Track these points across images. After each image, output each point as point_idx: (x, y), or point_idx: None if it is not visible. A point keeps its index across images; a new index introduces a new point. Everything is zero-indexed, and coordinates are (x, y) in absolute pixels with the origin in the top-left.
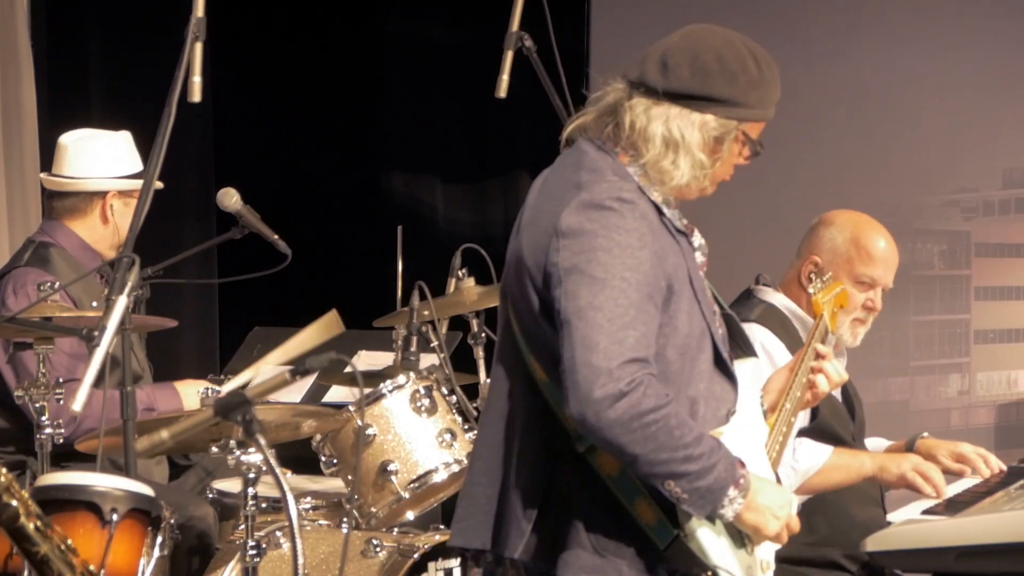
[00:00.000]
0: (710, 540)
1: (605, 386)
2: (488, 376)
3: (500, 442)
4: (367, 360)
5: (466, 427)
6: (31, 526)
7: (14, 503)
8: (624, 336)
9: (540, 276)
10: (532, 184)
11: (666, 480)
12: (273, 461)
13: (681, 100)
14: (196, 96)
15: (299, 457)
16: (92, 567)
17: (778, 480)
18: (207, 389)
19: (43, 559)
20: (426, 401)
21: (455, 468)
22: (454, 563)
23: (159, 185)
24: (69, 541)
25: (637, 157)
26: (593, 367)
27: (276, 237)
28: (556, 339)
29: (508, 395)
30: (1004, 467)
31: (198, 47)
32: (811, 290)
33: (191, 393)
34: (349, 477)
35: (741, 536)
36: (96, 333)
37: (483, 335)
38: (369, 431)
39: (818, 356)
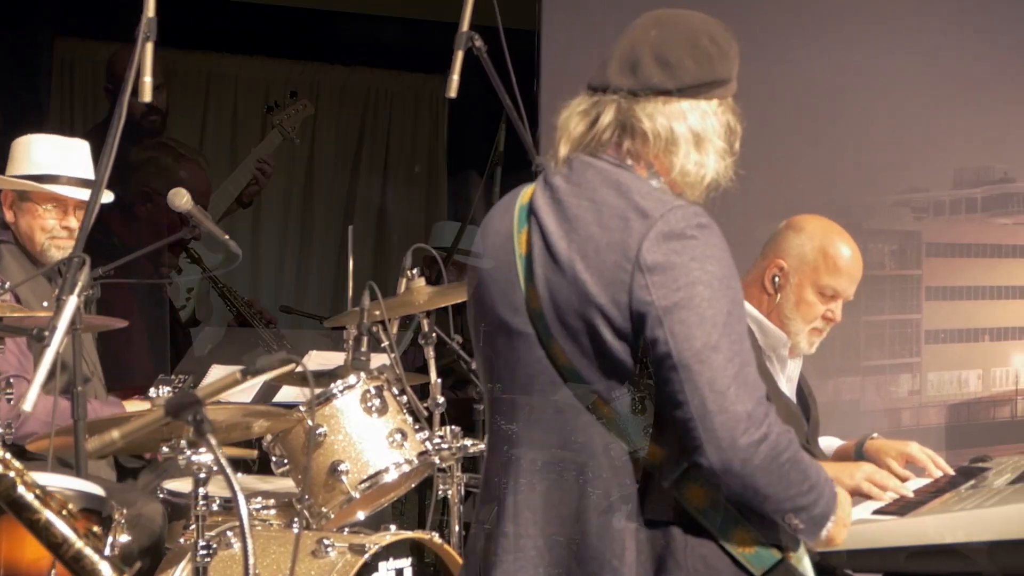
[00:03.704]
0: (807, 561)
1: (748, 431)
2: (440, 382)
3: (556, 488)
4: (318, 360)
5: (416, 427)
6: (30, 495)
7: (10, 474)
8: (747, 375)
9: (621, 315)
10: (525, 208)
11: (788, 514)
12: (224, 461)
13: (690, 92)
14: (147, 96)
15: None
16: (96, 530)
17: None
18: (159, 390)
19: (45, 525)
20: (377, 401)
21: (405, 468)
22: (405, 563)
23: (108, 197)
24: (70, 506)
25: (653, 170)
26: (731, 413)
27: (227, 237)
28: (640, 376)
29: (556, 438)
30: (952, 471)
31: (148, 47)
32: None
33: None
34: (300, 477)
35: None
36: (47, 333)
37: (433, 335)
38: (319, 431)
39: None
